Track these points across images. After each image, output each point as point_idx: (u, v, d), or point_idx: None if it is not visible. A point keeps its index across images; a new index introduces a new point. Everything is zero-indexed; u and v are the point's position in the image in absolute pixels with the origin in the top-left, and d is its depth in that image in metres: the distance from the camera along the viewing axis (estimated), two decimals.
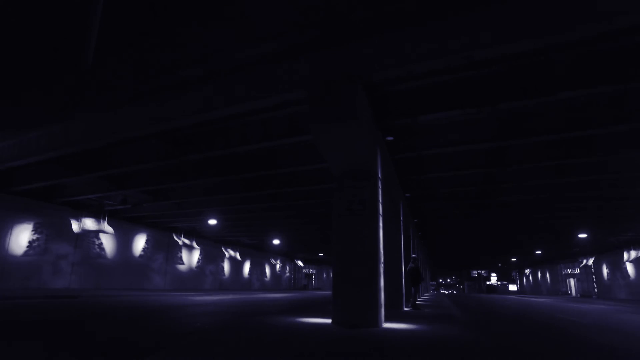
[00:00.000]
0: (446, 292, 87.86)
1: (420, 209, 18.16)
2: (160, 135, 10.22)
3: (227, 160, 12.19)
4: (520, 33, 5.34)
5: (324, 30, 6.27)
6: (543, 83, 6.76)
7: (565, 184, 13.52)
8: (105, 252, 21.49)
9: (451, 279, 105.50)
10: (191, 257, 29.02)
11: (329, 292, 35.01)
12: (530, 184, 13.63)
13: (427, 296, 29.50)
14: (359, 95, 6.09)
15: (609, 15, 4.78)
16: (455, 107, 7.39)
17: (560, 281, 45.83)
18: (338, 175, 7.29)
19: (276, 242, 31.34)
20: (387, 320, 7.63)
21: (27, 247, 17.26)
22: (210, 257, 31.25)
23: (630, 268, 28.73)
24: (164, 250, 26.11)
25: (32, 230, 17.51)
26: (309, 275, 52.98)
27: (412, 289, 12.25)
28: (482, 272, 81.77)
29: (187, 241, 27.74)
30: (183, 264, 27.98)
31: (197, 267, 29.54)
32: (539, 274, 53.92)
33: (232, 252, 33.53)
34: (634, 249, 27.16)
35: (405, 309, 11.85)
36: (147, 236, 24.67)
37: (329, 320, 7.08)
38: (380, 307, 6.91)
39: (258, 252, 38.47)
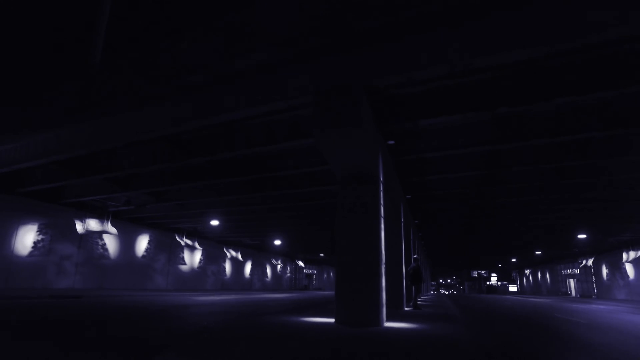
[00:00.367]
0: (446, 293, 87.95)
1: (420, 209, 18.35)
2: (164, 138, 10.43)
3: (231, 162, 12.38)
4: (516, 43, 5.52)
5: (329, 38, 6.45)
6: (540, 89, 6.94)
7: (564, 186, 13.71)
8: (108, 253, 21.69)
9: (451, 279, 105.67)
10: (193, 258, 29.22)
11: (329, 293, 35.18)
12: (529, 186, 13.83)
13: (427, 296, 29.66)
14: (362, 102, 6.27)
15: (599, 27, 4.97)
16: (455, 111, 7.57)
17: (560, 281, 45.98)
18: (341, 178, 7.47)
19: (277, 242, 31.53)
20: (389, 319, 7.81)
21: (32, 247, 17.47)
22: (212, 258, 31.45)
23: (629, 268, 28.89)
24: (166, 250, 26.31)
25: (37, 231, 17.71)
26: (309, 276, 53.15)
27: (413, 289, 12.43)
28: (482, 272, 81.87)
29: (189, 242, 27.94)
30: (185, 264, 28.17)
31: (199, 267, 29.74)
32: (539, 275, 54.07)
33: (233, 253, 33.73)
34: (633, 250, 27.32)
35: (406, 308, 12.03)
36: (150, 237, 24.87)
37: (332, 320, 7.26)
38: (382, 307, 7.10)
39: (259, 253, 38.67)
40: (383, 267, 7.37)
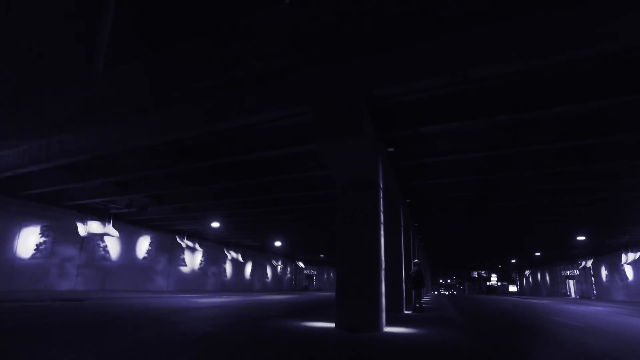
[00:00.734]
0: (446, 293, 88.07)
1: (420, 213, 18.46)
2: (167, 143, 10.54)
3: (232, 166, 12.48)
4: (513, 54, 5.64)
5: (328, 48, 6.57)
6: (538, 98, 7.06)
7: (564, 189, 13.82)
8: (109, 255, 21.82)
9: (451, 280, 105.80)
10: (194, 259, 29.34)
11: (329, 293, 35.28)
12: (528, 190, 13.93)
13: (427, 298, 29.77)
14: (362, 112, 6.39)
15: (594, 40, 5.09)
16: (455, 119, 7.69)
17: (559, 282, 46.10)
18: (341, 185, 7.59)
19: (278, 243, 31.65)
20: (388, 323, 7.93)
21: (35, 250, 17.59)
22: (213, 259, 31.57)
23: (628, 270, 29.00)
24: (167, 252, 26.43)
25: (40, 234, 17.84)
26: (309, 276, 53.26)
27: (414, 292, 12.57)
28: (482, 272, 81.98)
29: (190, 243, 28.06)
30: (186, 265, 28.29)
31: (199, 268, 29.86)
32: (539, 275, 54.18)
33: (234, 254, 33.85)
34: (632, 251, 27.44)
35: (406, 312, 12.15)
36: (151, 238, 24.99)
37: (333, 325, 7.38)
38: (382, 312, 7.22)
39: (260, 254, 38.78)
40: (383, 272, 7.49)
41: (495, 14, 5.58)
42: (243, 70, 7.39)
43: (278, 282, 43.43)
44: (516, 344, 6.34)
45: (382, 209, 7.69)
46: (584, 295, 38.30)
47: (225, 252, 32.92)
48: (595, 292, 35.71)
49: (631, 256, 27.54)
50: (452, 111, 7.64)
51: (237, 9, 7.76)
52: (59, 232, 18.63)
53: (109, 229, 20.47)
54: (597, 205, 15.92)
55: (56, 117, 10.54)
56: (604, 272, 33.51)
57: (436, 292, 75.23)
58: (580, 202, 15.54)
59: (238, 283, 34.96)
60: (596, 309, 17.63)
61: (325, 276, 55.83)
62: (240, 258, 34.73)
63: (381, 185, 7.80)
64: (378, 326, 6.89)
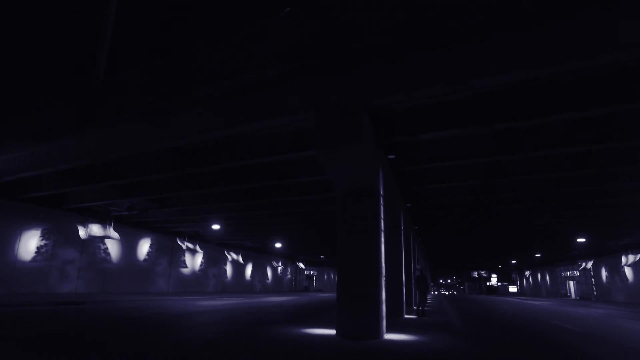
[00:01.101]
0: (446, 293, 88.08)
1: (420, 216, 18.48)
2: (168, 149, 10.57)
3: (233, 171, 12.51)
4: (515, 64, 5.65)
5: (329, 57, 6.58)
6: (538, 105, 7.07)
7: (563, 193, 13.84)
8: (110, 257, 21.85)
9: (451, 280, 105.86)
10: (194, 261, 29.37)
11: (330, 294, 35.31)
12: (528, 194, 13.96)
13: (427, 298, 29.77)
14: (364, 121, 6.41)
15: (593, 52, 5.11)
16: (455, 126, 7.71)
17: (559, 283, 46.11)
18: (341, 192, 7.61)
19: (278, 245, 31.68)
20: (389, 329, 7.96)
21: (35, 253, 17.62)
22: (213, 260, 31.61)
23: (628, 272, 29.02)
24: (167, 254, 26.47)
25: (40, 237, 17.87)
26: (310, 277, 53.29)
27: (419, 297, 12.70)
28: (483, 273, 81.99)
29: (190, 245, 28.09)
30: (186, 267, 28.33)
31: (200, 270, 29.89)
32: (539, 276, 54.21)
33: (234, 255, 33.88)
34: (632, 253, 27.46)
35: (406, 316, 12.16)
36: (152, 240, 25.02)
37: (333, 331, 7.40)
38: (382, 319, 7.24)
39: (260, 255, 38.81)
40: (383, 279, 7.51)
41: (496, 25, 5.60)
42: (243, 78, 7.41)
43: (278, 283, 43.46)
44: (518, 354, 6.36)
45: (382, 215, 7.72)
46: (584, 296, 38.31)
47: (226, 253, 32.95)
48: (595, 293, 35.73)
49: (631, 258, 27.56)
50: (453, 118, 7.65)
51: (237, 17, 7.79)
52: (59, 235, 18.66)
53: (110, 231, 20.50)
54: (597, 209, 15.95)
55: (57, 122, 10.56)
56: (604, 274, 33.53)
57: (436, 292, 75.25)
58: (580, 206, 15.56)
59: (238, 284, 34.99)
60: (596, 312, 17.64)
61: (325, 277, 55.86)
62: (240, 259, 34.76)
63: (381, 193, 7.82)
64: (379, 334, 6.91)
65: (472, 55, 5.91)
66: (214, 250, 31.53)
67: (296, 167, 11.67)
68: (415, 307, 15.46)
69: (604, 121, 8.24)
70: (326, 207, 16.00)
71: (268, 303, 18.93)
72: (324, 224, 20.91)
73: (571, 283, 44.15)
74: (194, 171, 11.38)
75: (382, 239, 7.62)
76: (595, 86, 6.73)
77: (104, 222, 20.24)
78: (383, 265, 7.57)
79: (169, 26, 8.63)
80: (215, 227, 21.99)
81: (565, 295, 44.52)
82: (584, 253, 33.90)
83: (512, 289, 71.58)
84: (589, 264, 35.62)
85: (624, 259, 28.71)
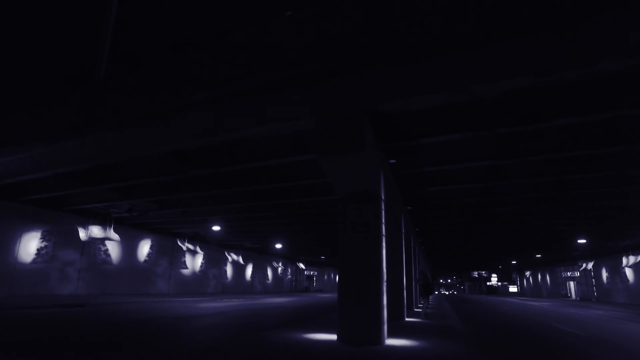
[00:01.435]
0: (447, 293, 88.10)
1: (421, 218, 18.46)
2: (169, 152, 10.54)
3: (233, 173, 12.49)
4: (516, 71, 5.63)
5: (331, 62, 6.56)
6: (539, 111, 7.05)
7: (564, 196, 13.81)
8: (111, 258, 21.84)
9: (452, 280, 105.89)
10: (195, 262, 29.37)
11: (330, 295, 35.31)
12: (529, 196, 13.94)
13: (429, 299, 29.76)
14: (365, 126, 6.39)
15: (594, 60, 5.09)
16: (457, 130, 7.69)
17: (560, 284, 46.10)
18: (343, 197, 7.58)
19: (278, 246, 31.67)
20: (390, 334, 7.95)
21: (36, 254, 17.61)
22: (213, 261, 31.60)
23: (629, 273, 29.01)
24: (168, 255, 26.46)
25: (41, 238, 17.85)
26: (310, 277, 53.29)
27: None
28: (483, 273, 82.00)
29: (190, 246, 28.08)
30: (187, 268, 28.32)
31: (200, 271, 29.89)
32: (539, 276, 54.19)
33: (234, 256, 33.87)
34: (633, 254, 27.43)
35: (407, 319, 12.14)
36: (152, 242, 25.01)
37: (334, 337, 7.38)
38: (383, 325, 7.22)
39: (260, 255, 38.80)
40: (384, 285, 7.49)
41: (497, 32, 5.57)
42: (243, 82, 7.39)
43: (279, 284, 43.45)
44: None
45: (383, 220, 7.69)
46: (584, 297, 38.30)
47: (226, 254, 32.94)
48: (595, 294, 35.71)
49: (632, 259, 27.54)
50: (454, 123, 7.64)
51: (237, 20, 7.76)
52: (60, 237, 18.65)
53: (110, 233, 20.49)
54: (597, 211, 15.93)
55: (58, 125, 10.54)
56: (604, 274, 33.51)
57: (437, 292, 75.22)
58: (581, 208, 15.55)
59: (239, 285, 34.99)
60: (597, 313, 17.63)
61: (325, 277, 55.85)
62: (240, 260, 34.75)
63: (383, 198, 7.80)
64: (380, 339, 6.89)
65: (474, 62, 5.88)
66: (214, 251, 31.52)
67: (297, 170, 11.65)
68: (418, 310, 15.46)
69: (605, 125, 8.21)
70: (327, 209, 15.99)
71: (269, 305, 18.91)
72: (324, 225, 20.90)
73: (571, 284, 44.12)
74: (194, 174, 11.36)
75: (383, 244, 7.60)
76: (596, 91, 6.70)
77: (104, 224, 20.23)
78: (384, 270, 7.55)
79: (169, 31, 8.61)
80: (216, 228, 21.98)
81: (566, 295, 44.49)
82: (585, 254, 33.88)
83: (513, 289, 71.57)
84: (590, 265, 35.61)
85: (624, 260, 28.69)
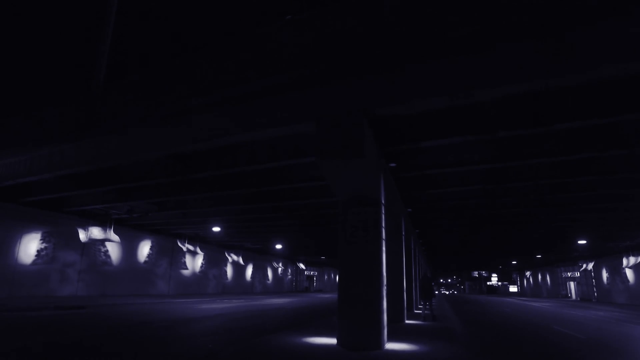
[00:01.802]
0: (447, 292, 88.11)
1: (421, 220, 18.44)
2: (169, 155, 10.53)
3: (233, 176, 12.48)
4: (517, 76, 5.61)
5: (331, 66, 6.54)
6: (540, 115, 7.02)
7: (565, 198, 13.81)
8: (111, 259, 21.84)
9: (452, 279, 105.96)
10: (195, 262, 29.38)
11: (330, 295, 35.34)
12: (530, 198, 13.92)
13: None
14: (365, 131, 6.37)
15: (593, 66, 5.08)
16: (456, 134, 7.67)
17: (560, 284, 46.09)
18: (342, 201, 7.57)
19: (278, 246, 31.68)
20: (390, 338, 7.94)
21: (36, 256, 17.62)
22: (214, 262, 31.61)
23: (629, 273, 29.00)
24: (168, 255, 26.46)
25: (41, 240, 17.86)
26: (310, 277, 53.31)
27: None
28: (483, 273, 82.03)
29: (190, 247, 28.08)
30: (187, 268, 28.33)
31: (200, 271, 29.90)
32: (539, 277, 54.19)
33: (234, 257, 33.88)
34: (633, 255, 27.42)
35: (407, 321, 12.12)
36: (152, 242, 25.02)
37: (334, 340, 7.37)
38: (383, 329, 7.21)
39: (260, 256, 38.81)
40: (384, 289, 7.48)
41: (500, 36, 5.55)
42: (243, 87, 7.37)
43: (279, 284, 43.46)
44: None
45: (383, 224, 7.68)
46: (584, 298, 38.29)
47: (226, 254, 32.95)
48: (596, 294, 35.70)
49: (632, 260, 27.53)
50: (454, 126, 7.61)
51: (237, 24, 7.74)
52: (60, 238, 18.66)
53: (110, 234, 20.49)
54: (598, 213, 15.91)
55: (58, 128, 10.54)
56: (605, 275, 33.50)
57: (437, 292, 75.15)
58: (581, 209, 15.52)
59: (239, 285, 35.00)
60: (598, 314, 17.62)
61: (326, 277, 55.87)
62: (241, 260, 34.76)
63: (383, 202, 7.78)
64: (379, 344, 6.88)
65: (475, 67, 5.86)
66: (215, 251, 31.53)
67: (297, 173, 11.63)
68: (420, 312, 15.45)
69: (606, 129, 8.19)
70: (327, 211, 15.98)
71: (269, 306, 18.91)
72: (324, 226, 20.88)
73: (572, 284, 44.12)
74: (194, 176, 11.35)
75: (384, 248, 7.59)
76: (597, 95, 6.68)
77: (104, 225, 20.23)
78: (384, 274, 7.54)
79: (169, 34, 8.59)
80: (216, 229, 21.98)
81: (566, 296, 44.48)
82: (585, 254, 33.87)
83: (513, 289, 71.59)
84: (590, 265, 35.59)
85: (624, 261, 28.68)
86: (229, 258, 33.32)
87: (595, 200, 13.66)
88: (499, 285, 77.41)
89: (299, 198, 13.99)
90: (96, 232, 19.80)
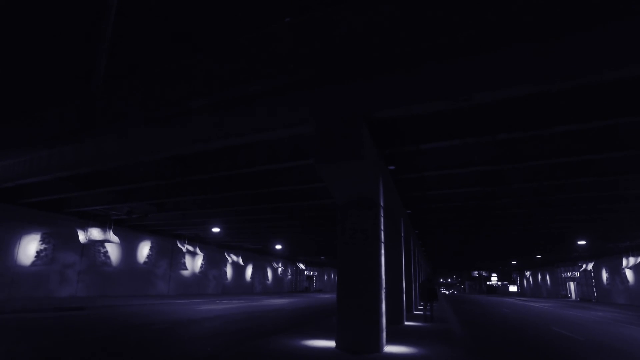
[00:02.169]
0: (447, 292, 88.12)
1: (421, 221, 18.44)
2: (168, 157, 10.52)
3: (233, 178, 12.48)
4: (516, 79, 5.60)
5: (329, 68, 6.53)
6: (540, 117, 7.02)
7: (564, 199, 13.80)
8: (110, 260, 21.84)
9: (452, 279, 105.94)
10: (194, 263, 29.37)
11: (330, 295, 35.30)
12: (529, 199, 13.91)
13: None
14: (363, 134, 6.36)
15: (595, 69, 5.07)
16: (456, 136, 7.66)
17: (560, 284, 46.09)
18: (341, 204, 7.56)
19: (278, 247, 31.67)
20: (389, 340, 7.94)
21: (35, 257, 17.61)
22: (213, 262, 31.60)
23: (629, 274, 29.01)
24: (167, 256, 26.46)
25: (40, 241, 17.85)
26: (310, 278, 53.31)
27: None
28: (483, 272, 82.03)
29: (190, 247, 28.08)
30: (186, 269, 28.33)
31: (200, 272, 29.89)
32: (539, 277, 54.19)
33: (234, 257, 33.88)
34: (633, 256, 27.42)
35: (406, 323, 12.11)
36: (152, 243, 25.01)
37: (333, 343, 7.36)
38: (382, 332, 7.20)
39: (260, 256, 38.81)
40: (383, 291, 7.47)
41: (500, 39, 5.55)
42: (243, 89, 7.36)
43: (279, 284, 43.46)
44: None
45: (382, 227, 7.67)
46: (584, 298, 38.29)
47: (226, 255, 32.95)
48: (595, 294, 35.70)
49: (632, 260, 27.53)
50: (454, 129, 7.60)
51: (237, 25, 7.73)
52: (59, 239, 18.65)
53: (110, 235, 20.49)
54: (598, 213, 15.90)
55: (57, 130, 10.53)
56: (604, 275, 33.51)
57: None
58: (581, 210, 15.52)
59: (239, 285, 35.00)
60: (598, 315, 17.61)
61: (325, 277, 55.87)
62: (240, 261, 34.76)
63: (382, 204, 7.78)
64: (379, 347, 6.87)
65: (475, 69, 5.85)
66: (214, 252, 31.53)
67: (296, 174, 11.63)
68: (420, 312, 15.44)
69: (604, 131, 8.19)
70: (327, 211, 15.97)
71: (268, 307, 18.90)
72: (324, 227, 20.88)
73: (571, 284, 44.11)
74: (194, 178, 11.34)
75: (382, 250, 7.58)
76: (596, 98, 6.68)
77: (103, 226, 20.22)
78: (383, 277, 7.53)
79: (167, 36, 8.58)
80: (215, 230, 21.97)
81: (566, 296, 44.48)
82: (585, 255, 33.87)
83: (513, 288, 71.59)
84: (590, 266, 35.59)
85: (624, 262, 28.68)
86: (229, 258, 33.31)
87: (595, 202, 13.67)
88: (498, 285, 77.41)
89: (299, 199, 13.98)
90: (96, 233, 19.80)
